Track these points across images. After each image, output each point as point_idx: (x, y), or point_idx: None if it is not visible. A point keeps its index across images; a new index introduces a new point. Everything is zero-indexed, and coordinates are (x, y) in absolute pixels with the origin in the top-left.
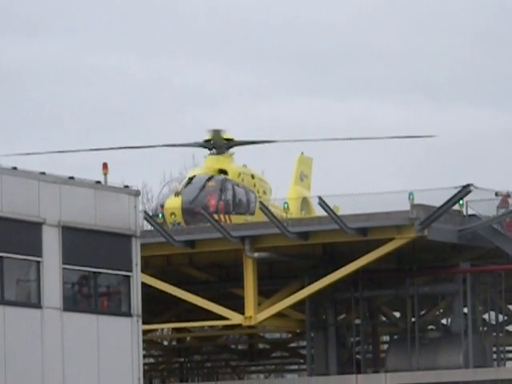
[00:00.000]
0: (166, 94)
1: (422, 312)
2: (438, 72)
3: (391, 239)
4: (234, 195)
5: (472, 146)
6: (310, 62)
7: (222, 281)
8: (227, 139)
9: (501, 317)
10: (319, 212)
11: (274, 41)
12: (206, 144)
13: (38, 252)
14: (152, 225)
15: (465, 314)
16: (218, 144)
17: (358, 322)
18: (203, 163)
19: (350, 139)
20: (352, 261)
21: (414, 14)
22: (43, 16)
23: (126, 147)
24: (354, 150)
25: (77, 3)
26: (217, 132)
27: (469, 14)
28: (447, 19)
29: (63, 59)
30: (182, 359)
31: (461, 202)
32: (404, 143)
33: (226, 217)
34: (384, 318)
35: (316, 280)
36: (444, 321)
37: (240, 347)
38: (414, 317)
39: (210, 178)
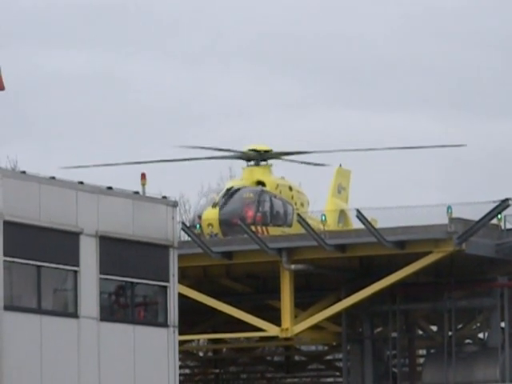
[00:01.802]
0: (203, 106)
1: (459, 326)
2: (475, 86)
3: (429, 253)
4: (272, 207)
5: (506, 158)
6: (348, 75)
7: (258, 292)
8: (265, 151)
9: None
10: (357, 225)
11: (312, 54)
12: (245, 155)
13: (76, 262)
14: (189, 235)
15: (502, 328)
16: (256, 156)
17: (394, 335)
18: (241, 174)
19: (385, 149)
20: (389, 274)
21: (454, 30)
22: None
23: (164, 160)
24: (390, 163)
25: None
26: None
27: (504, 29)
28: (484, 35)
29: (102, 68)
30: (218, 370)
31: (499, 216)
32: (441, 157)
33: (264, 228)
34: (421, 332)
35: (353, 293)
36: (481, 335)
37: (276, 359)
38: (450, 331)
39: (247, 190)
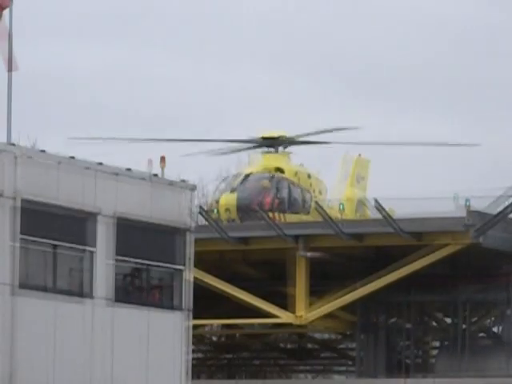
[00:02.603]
0: (223, 99)
1: (474, 319)
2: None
3: (446, 245)
4: (290, 194)
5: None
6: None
7: (273, 279)
8: (284, 138)
9: None
10: (374, 214)
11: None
12: (264, 142)
13: (92, 242)
14: (207, 220)
15: None
16: (276, 143)
17: (408, 326)
18: (260, 161)
19: (403, 144)
20: (405, 265)
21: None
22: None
23: (184, 140)
24: (410, 156)
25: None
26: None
27: None
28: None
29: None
30: (230, 356)
31: None
32: (459, 154)
33: (281, 215)
34: (435, 324)
35: (368, 282)
36: (495, 329)
37: (289, 346)
38: (464, 323)
39: (266, 176)
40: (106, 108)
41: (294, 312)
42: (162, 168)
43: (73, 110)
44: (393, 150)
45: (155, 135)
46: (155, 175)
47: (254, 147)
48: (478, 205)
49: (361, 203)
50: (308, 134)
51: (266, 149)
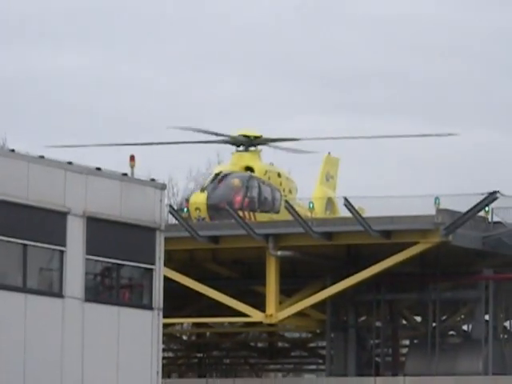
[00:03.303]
0: (191, 105)
1: (443, 317)
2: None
3: (415, 243)
4: (260, 193)
5: (496, 150)
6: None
7: (244, 278)
8: (254, 136)
9: None
10: (344, 213)
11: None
12: (233, 140)
13: (62, 241)
14: (177, 219)
15: (486, 320)
16: (246, 141)
17: (378, 324)
18: (230, 159)
19: (374, 137)
20: (375, 263)
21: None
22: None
23: (152, 143)
24: (380, 154)
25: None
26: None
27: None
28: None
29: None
30: (201, 354)
31: (486, 208)
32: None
33: (251, 214)
34: (405, 322)
35: (338, 281)
36: (465, 327)
37: (259, 345)
38: (434, 322)
39: (236, 175)
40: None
41: (264, 311)
42: (132, 167)
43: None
44: (367, 146)
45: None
46: (125, 174)
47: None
48: (453, 205)
49: (330, 202)
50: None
51: (239, 147)
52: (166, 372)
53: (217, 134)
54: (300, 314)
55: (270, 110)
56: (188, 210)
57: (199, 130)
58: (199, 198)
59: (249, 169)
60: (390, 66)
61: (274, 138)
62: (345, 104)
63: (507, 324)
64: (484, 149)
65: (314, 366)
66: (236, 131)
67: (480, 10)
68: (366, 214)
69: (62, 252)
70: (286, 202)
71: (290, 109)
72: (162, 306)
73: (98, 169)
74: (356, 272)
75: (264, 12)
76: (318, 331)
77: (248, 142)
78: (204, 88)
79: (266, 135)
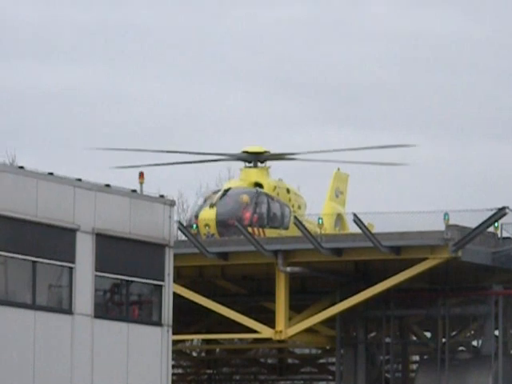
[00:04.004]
0: (201, 120)
1: (453, 333)
2: (462, 110)
3: (424, 259)
4: (269, 209)
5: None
6: (341, 96)
7: (253, 294)
8: (260, 152)
9: None
10: (353, 229)
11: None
12: (243, 156)
13: (71, 258)
14: (186, 235)
15: (496, 336)
16: (255, 157)
17: (388, 340)
18: (239, 176)
19: (381, 164)
20: (384, 279)
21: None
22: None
23: (164, 151)
24: (387, 172)
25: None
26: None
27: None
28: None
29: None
30: (211, 371)
31: (496, 224)
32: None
33: (260, 230)
34: (414, 338)
35: (348, 297)
36: (475, 342)
37: (269, 361)
38: (444, 337)
39: (245, 191)
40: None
41: (273, 327)
42: (141, 183)
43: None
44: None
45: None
46: (134, 191)
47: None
48: (462, 220)
49: (340, 218)
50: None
51: (245, 163)
52: None
53: (222, 155)
54: (309, 330)
55: (280, 124)
56: (197, 227)
57: (205, 153)
58: (208, 215)
59: (258, 185)
60: (398, 79)
61: (284, 153)
62: (353, 118)
63: None
64: (494, 163)
65: (323, 382)
66: (242, 147)
67: (487, 23)
68: (375, 230)
69: (71, 269)
70: (296, 217)
71: (299, 123)
72: (171, 322)
73: (107, 185)
74: (365, 288)
75: (269, 27)
76: (327, 347)
77: (253, 158)
78: (212, 103)
79: (277, 150)
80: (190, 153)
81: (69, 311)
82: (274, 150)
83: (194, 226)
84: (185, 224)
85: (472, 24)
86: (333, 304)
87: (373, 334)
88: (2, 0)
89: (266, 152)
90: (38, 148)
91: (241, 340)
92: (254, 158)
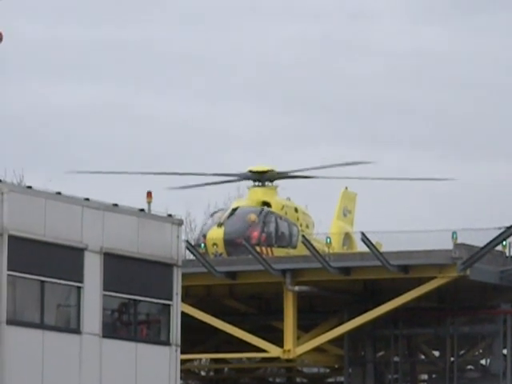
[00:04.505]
0: (209, 137)
1: (462, 352)
2: (459, 129)
3: (433, 278)
4: (277, 228)
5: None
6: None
7: (261, 313)
8: (272, 172)
9: None
10: (361, 248)
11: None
12: (251, 176)
13: (79, 277)
14: (194, 254)
15: (504, 355)
16: (264, 177)
17: (396, 359)
18: (247, 195)
19: (391, 179)
20: (393, 298)
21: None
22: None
23: (170, 173)
24: (397, 188)
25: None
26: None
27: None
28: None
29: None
30: None
31: (504, 242)
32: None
33: (268, 249)
34: (423, 357)
35: (356, 316)
36: (483, 361)
37: (278, 380)
38: (453, 356)
39: (253, 210)
40: (89, 144)
41: (282, 346)
42: (149, 203)
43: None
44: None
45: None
46: (142, 210)
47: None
48: (470, 239)
49: (348, 237)
50: (299, 170)
51: (252, 183)
52: None
53: (232, 175)
54: (318, 349)
55: (288, 141)
56: (205, 246)
57: (216, 174)
58: (216, 234)
59: (266, 204)
60: (409, 99)
61: (291, 174)
62: (361, 136)
63: None
64: (503, 182)
65: None
66: (254, 166)
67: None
68: (383, 249)
69: (79, 288)
70: (303, 236)
71: (308, 141)
72: (179, 341)
73: (115, 205)
74: (374, 307)
75: (280, 44)
76: (336, 366)
77: (265, 178)
78: (222, 121)
79: (286, 168)
80: (197, 174)
81: (77, 331)
82: (282, 169)
83: (202, 245)
84: (193, 243)
85: (479, 41)
86: (341, 323)
87: (381, 353)
88: (10, 18)
89: (270, 171)
90: (46, 167)
91: (249, 359)
92: (259, 178)
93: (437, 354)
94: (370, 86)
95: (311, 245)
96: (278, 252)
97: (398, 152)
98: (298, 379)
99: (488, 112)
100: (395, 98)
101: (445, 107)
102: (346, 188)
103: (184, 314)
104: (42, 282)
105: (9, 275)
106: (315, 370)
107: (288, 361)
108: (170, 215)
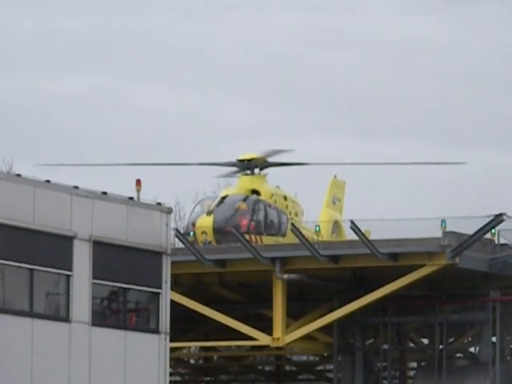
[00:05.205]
0: (200, 128)
1: (451, 340)
2: (456, 117)
3: (422, 266)
4: (266, 216)
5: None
6: (338, 104)
7: (250, 301)
8: (259, 160)
9: None
10: (350, 236)
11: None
12: (240, 164)
13: (69, 266)
14: (183, 243)
15: (493, 342)
16: (252, 164)
17: (385, 347)
18: (236, 183)
19: (382, 164)
20: (382, 286)
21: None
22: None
23: (160, 163)
24: (386, 177)
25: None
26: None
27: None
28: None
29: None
30: (209, 378)
31: (493, 230)
32: (434, 173)
33: (257, 237)
34: (412, 345)
35: (345, 304)
36: (472, 349)
37: (267, 368)
38: (442, 344)
39: (242, 198)
40: (81, 135)
41: (271, 334)
42: (138, 191)
43: (48, 136)
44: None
45: (130, 161)
46: (131, 198)
47: (235, 172)
48: (459, 227)
49: (337, 225)
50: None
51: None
52: None
53: (220, 164)
54: (307, 337)
55: (282, 132)
56: (194, 234)
57: (205, 164)
58: (205, 222)
59: (255, 192)
60: (401, 89)
61: (281, 162)
62: (353, 127)
63: None
64: (494, 172)
65: None
66: (242, 155)
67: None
68: (372, 237)
69: (68, 276)
70: (293, 225)
71: (299, 132)
72: (168, 329)
73: (104, 193)
74: (363, 295)
75: (274, 35)
76: (325, 354)
77: (253, 166)
78: (214, 111)
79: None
80: (185, 164)
81: (66, 319)
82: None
83: (192, 233)
84: (182, 231)
85: (472, 33)
86: (330, 311)
87: (370, 341)
88: (2, 9)
89: (258, 158)
90: (36, 156)
91: (238, 347)
92: (247, 166)
93: (426, 341)
94: (362, 77)
95: (300, 233)
96: (268, 240)
97: (394, 142)
98: (287, 367)
99: (487, 104)
100: (387, 89)
101: (435, 97)
102: (335, 176)
103: (173, 302)
104: (31, 270)
105: None
106: (304, 357)
107: (277, 349)
108: (159, 203)
